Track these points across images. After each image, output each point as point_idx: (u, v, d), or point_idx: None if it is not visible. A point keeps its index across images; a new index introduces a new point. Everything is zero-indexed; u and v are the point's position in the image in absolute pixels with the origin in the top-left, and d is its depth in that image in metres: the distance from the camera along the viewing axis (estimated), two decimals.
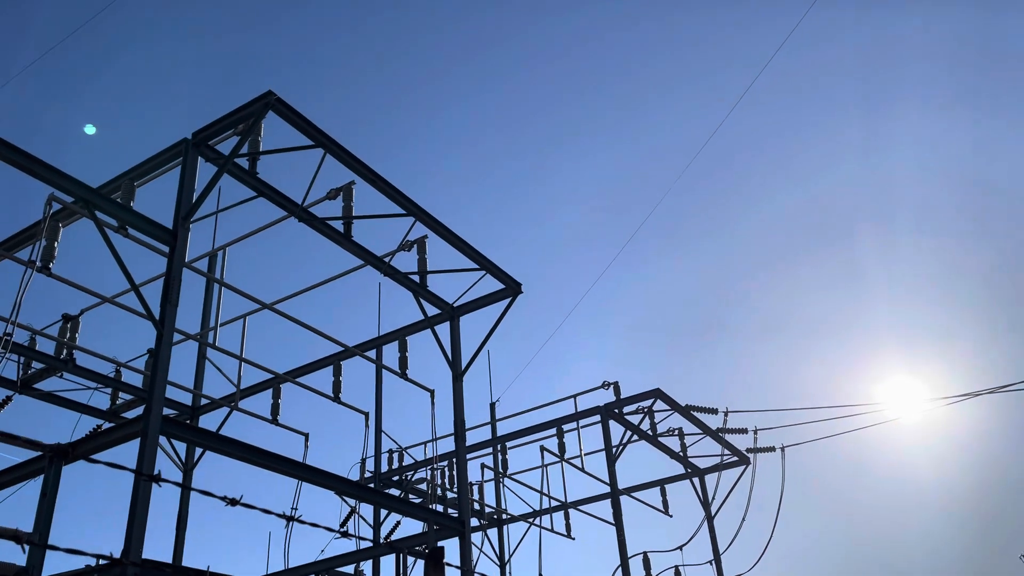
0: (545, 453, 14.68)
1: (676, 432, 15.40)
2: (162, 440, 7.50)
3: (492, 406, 16.10)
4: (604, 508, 15.01)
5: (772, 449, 15.66)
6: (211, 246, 10.88)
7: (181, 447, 11.69)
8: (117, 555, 6.20)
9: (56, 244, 8.03)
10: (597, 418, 13.95)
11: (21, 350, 10.42)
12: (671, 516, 16.18)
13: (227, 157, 7.87)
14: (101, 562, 6.29)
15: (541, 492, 14.94)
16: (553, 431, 14.46)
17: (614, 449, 13.82)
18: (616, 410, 14.03)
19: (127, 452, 7.12)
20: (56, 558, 6.81)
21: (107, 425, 10.90)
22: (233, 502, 5.79)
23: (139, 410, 11.64)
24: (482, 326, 10.89)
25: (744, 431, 15.45)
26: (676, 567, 15.18)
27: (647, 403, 14.24)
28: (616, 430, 13.95)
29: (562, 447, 14.32)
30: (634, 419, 14.34)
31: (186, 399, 12.27)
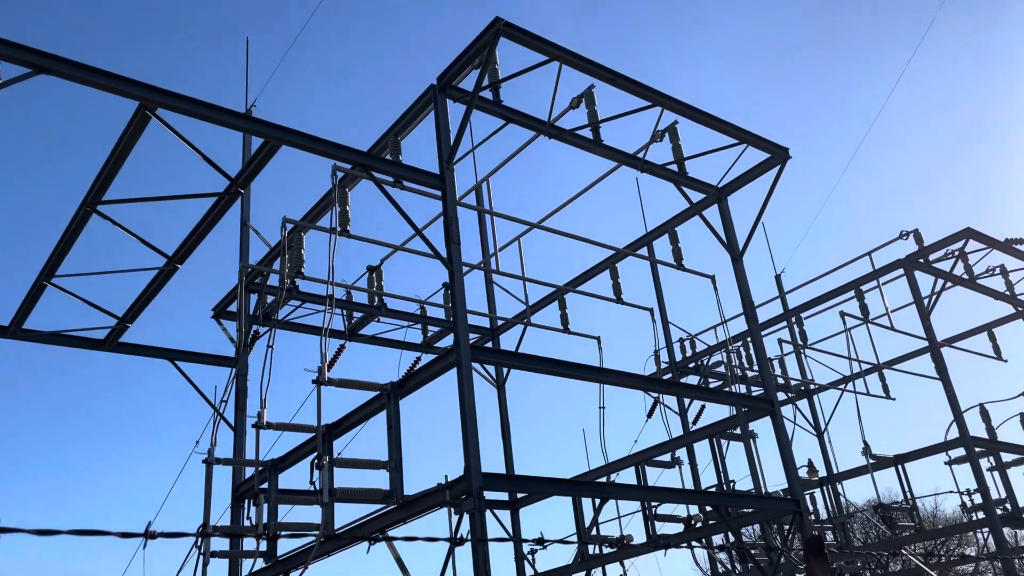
0: (846, 318, 13.87)
1: (997, 271, 13.74)
2: (474, 364, 8.22)
3: (778, 278, 15.47)
4: (923, 364, 13.94)
5: None
6: (474, 180, 11.47)
7: (491, 366, 12.71)
8: (452, 474, 6.97)
9: (348, 208, 8.90)
10: (900, 272, 12.84)
11: (342, 304, 11.88)
12: (1006, 361, 14.64)
13: (472, 93, 8.13)
14: (449, 479, 7.13)
15: (849, 357, 14.21)
16: (851, 293, 13.59)
17: (926, 301, 12.68)
18: (921, 259, 12.80)
19: (446, 379, 7.88)
20: (410, 480, 7.80)
21: (426, 357, 12.15)
22: (540, 541, 6.32)
23: (448, 339, 12.83)
24: (752, 200, 10.40)
25: None
26: (1021, 414, 13.82)
27: (957, 245, 12.81)
28: (924, 280, 12.77)
29: (864, 308, 13.43)
30: (944, 265, 13.00)
31: (484, 322, 13.26)
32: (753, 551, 10.69)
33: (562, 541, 6.77)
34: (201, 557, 8.61)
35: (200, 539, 8.64)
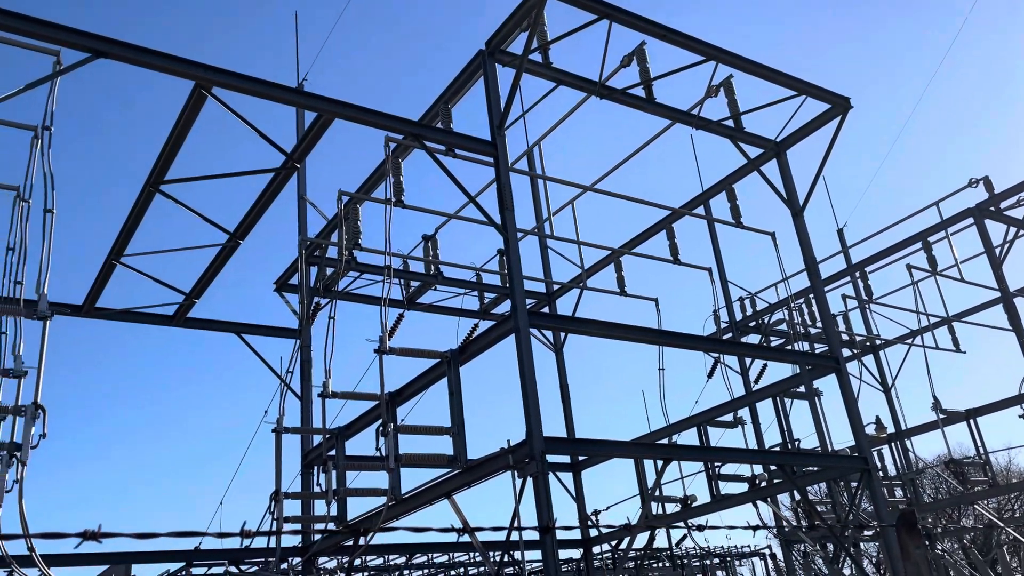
0: (913, 270, 13.48)
1: None
2: (532, 330, 8.24)
3: (840, 232, 15.10)
4: (995, 315, 13.49)
5: None
6: (525, 144, 11.39)
7: (549, 331, 12.74)
8: (514, 438, 7.04)
9: (402, 179, 8.94)
10: (969, 221, 12.40)
11: (400, 274, 12.01)
12: None
13: (521, 57, 8.05)
14: (511, 443, 7.20)
15: (917, 311, 13.83)
16: (918, 245, 13.18)
17: (997, 250, 12.23)
18: (991, 207, 12.33)
19: (505, 345, 7.93)
20: (473, 445, 7.91)
21: (483, 324, 12.24)
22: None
23: (504, 305, 12.88)
24: (812, 153, 10.13)
25: None
26: None
27: None
28: (995, 229, 12.32)
29: (932, 260, 13.02)
30: (1016, 213, 12.51)
31: (540, 287, 13.27)
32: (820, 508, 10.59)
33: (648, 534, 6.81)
34: (274, 522, 8.92)
35: (273, 504, 8.93)
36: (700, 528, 7.40)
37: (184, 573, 11.48)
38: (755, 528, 7.36)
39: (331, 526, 9.06)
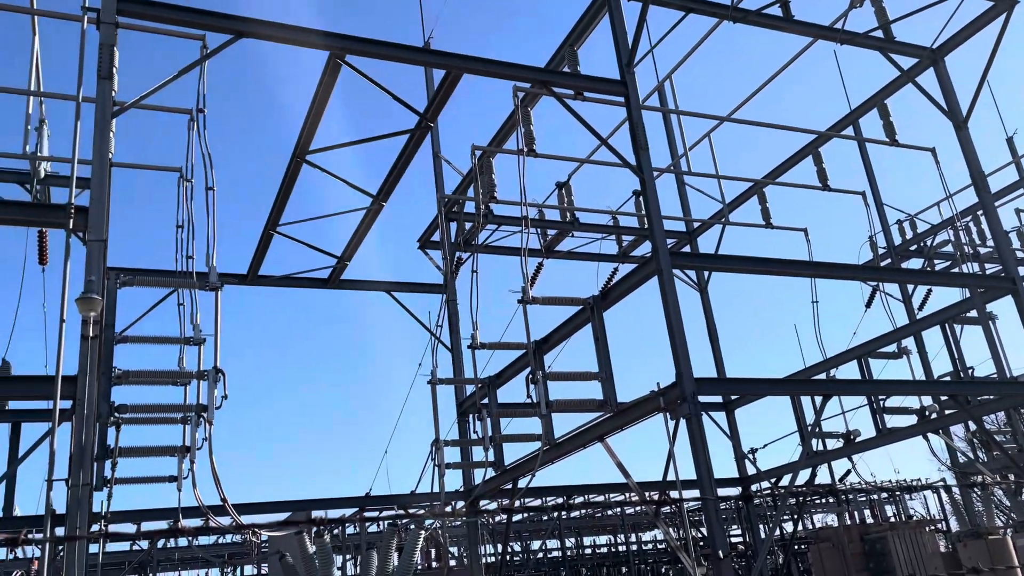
0: None
1: None
2: (675, 270, 8.07)
3: (1010, 141, 13.77)
4: None
5: None
6: (655, 80, 11.05)
7: (691, 270, 12.47)
8: (664, 381, 6.98)
9: (532, 127, 8.91)
10: None
11: (536, 223, 12.05)
12: None
13: None
14: (661, 386, 7.16)
15: None
16: None
17: None
18: None
19: (648, 288, 7.83)
20: (621, 389, 7.93)
21: (623, 268, 12.12)
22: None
23: (644, 247, 12.70)
24: (973, 59, 9.24)
25: None
26: None
27: None
28: None
29: None
30: None
31: (680, 226, 12.97)
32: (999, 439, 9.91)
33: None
34: (436, 468, 9.35)
35: (434, 452, 9.35)
36: None
37: (358, 517, 12.28)
38: None
39: (490, 471, 9.40)
